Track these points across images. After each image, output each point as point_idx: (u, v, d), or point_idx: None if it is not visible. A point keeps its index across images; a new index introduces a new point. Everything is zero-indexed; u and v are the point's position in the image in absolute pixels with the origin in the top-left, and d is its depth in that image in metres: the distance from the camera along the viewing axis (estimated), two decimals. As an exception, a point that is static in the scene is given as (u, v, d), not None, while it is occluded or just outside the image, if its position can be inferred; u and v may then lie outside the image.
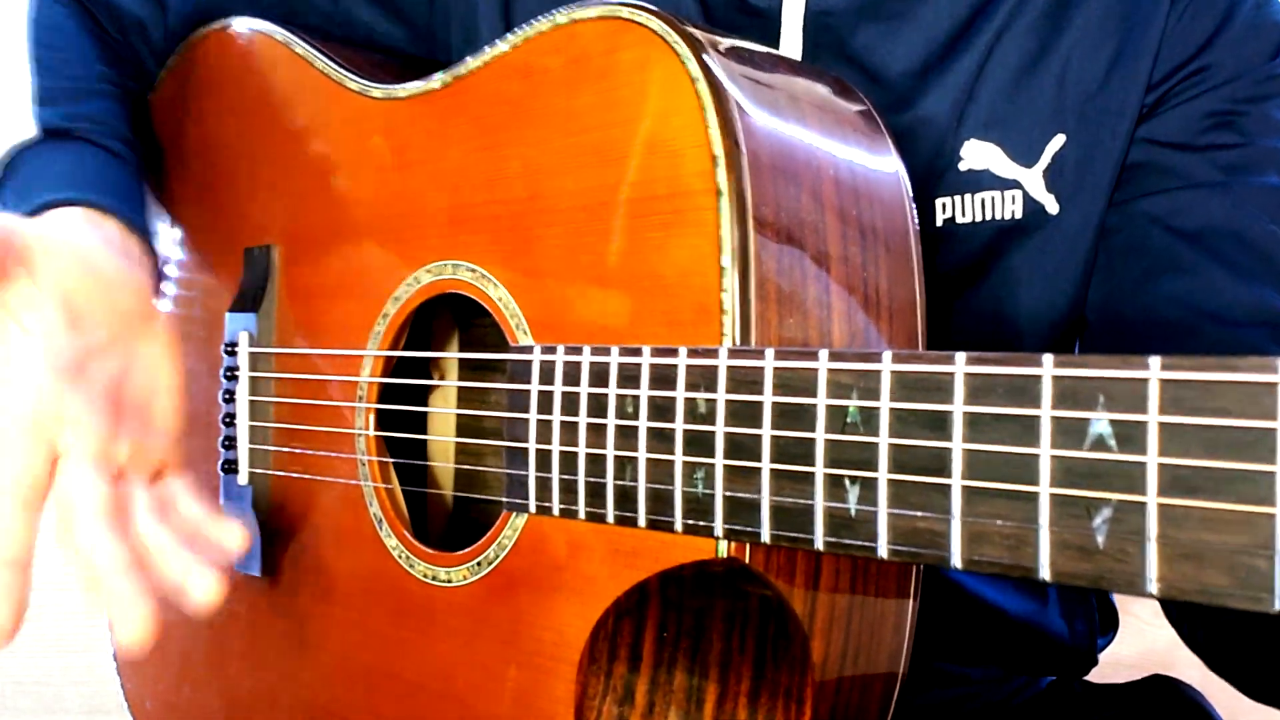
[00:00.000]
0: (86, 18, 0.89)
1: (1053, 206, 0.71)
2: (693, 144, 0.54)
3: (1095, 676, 0.86)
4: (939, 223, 0.72)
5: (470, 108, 0.67)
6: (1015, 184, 0.71)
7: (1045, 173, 0.71)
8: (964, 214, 0.72)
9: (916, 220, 0.60)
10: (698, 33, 0.56)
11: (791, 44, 0.73)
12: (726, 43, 0.58)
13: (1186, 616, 0.69)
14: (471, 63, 0.67)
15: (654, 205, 0.56)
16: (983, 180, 0.72)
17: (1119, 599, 0.88)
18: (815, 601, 0.54)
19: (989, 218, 0.71)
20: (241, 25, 0.86)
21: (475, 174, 0.66)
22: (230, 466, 0.82)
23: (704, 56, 0.55)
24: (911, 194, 0.61)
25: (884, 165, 0.61)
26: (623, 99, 0.58)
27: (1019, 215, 0.71)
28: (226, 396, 0.82)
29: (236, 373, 0.82)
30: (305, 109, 0.80)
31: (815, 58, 0.73)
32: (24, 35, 0.88)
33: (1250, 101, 0.69)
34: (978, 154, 0.71)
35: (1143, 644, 0.89)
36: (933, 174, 0.72)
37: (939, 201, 0.72)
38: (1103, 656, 0.87)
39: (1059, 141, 0.71)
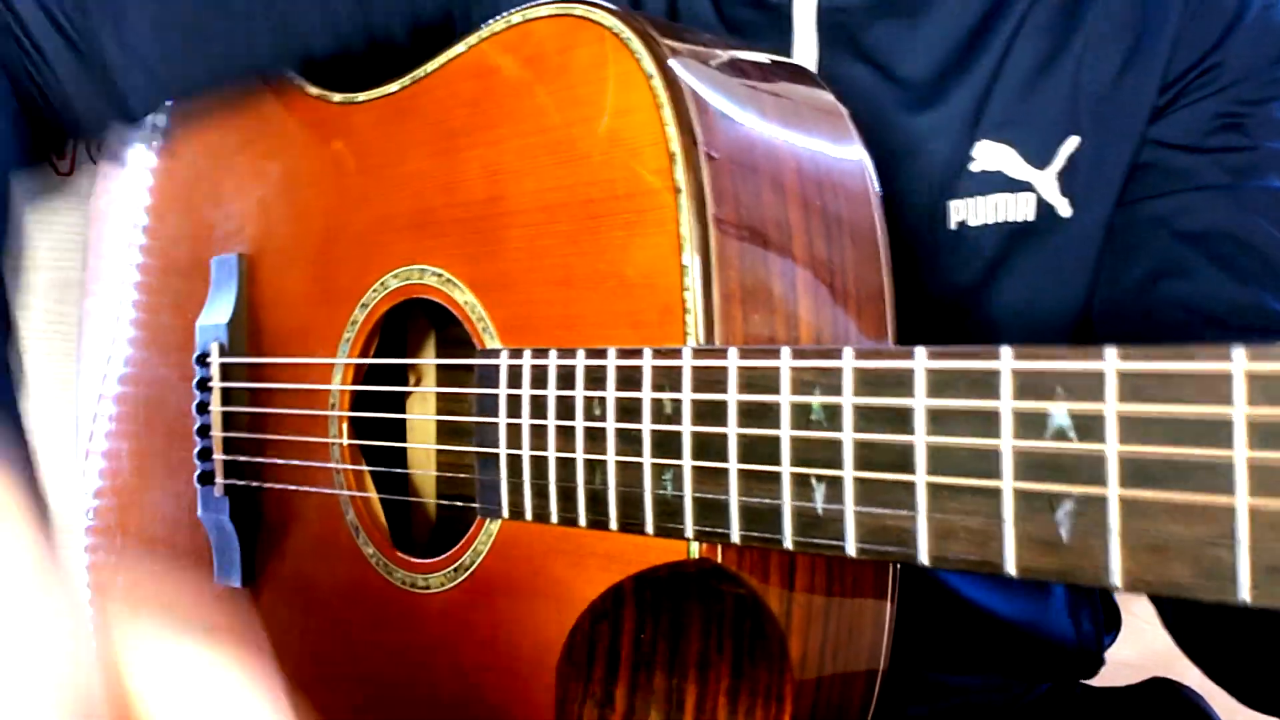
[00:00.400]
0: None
1: (1065, 209, 0.70)
2: (650, 142, 0.53)
3: (1097, 678, 0.85)
4: (952, 225, 0.71)
5: (428, 110, 0.66)
6: (1028, 186, 0.70)
7: (1060, 175, 0.70)
8: (976, 216, 0.70)
9: (882, 210, 0.60)
10: (653, 28, 0.55)
11: (805, 40, 0.71)
12: (684, 37, 0.57)
13: (1176, 619, 0.68)
14: (429, 65, 0.66)
15: (615, 205, 0.55)
16: (995, 182, 0.70)
17: (1120, 598, 0.87)
18: (791, 600, 0.54)
19: (1000, 220, 0.70)
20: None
21: (436, 177, 0.65)
22: (206, 478, 0.81)
23: (659, 52, 0.54)
24: (878, 185, 0.60)
25: (848, 155, 0.60)
26: (579, 97, 0.57)
27: (1030, 218, 0.70)
28: (200, 408, 0.81)
29: (210, 384, 0.81)
30: (266, 116, 0.80)
31: (829, 54, 0.71)
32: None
33: (1255, 104, 0.68)
34: (991, 155, 0.70)
35: (1144, 645, 0.88)
36: (947, 175, 0.71)
37: (952, 204, 0.71)
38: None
39: (1073, 143, 0.69)
